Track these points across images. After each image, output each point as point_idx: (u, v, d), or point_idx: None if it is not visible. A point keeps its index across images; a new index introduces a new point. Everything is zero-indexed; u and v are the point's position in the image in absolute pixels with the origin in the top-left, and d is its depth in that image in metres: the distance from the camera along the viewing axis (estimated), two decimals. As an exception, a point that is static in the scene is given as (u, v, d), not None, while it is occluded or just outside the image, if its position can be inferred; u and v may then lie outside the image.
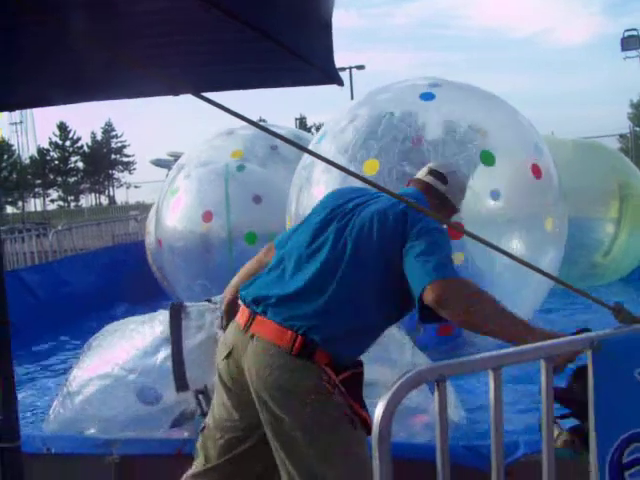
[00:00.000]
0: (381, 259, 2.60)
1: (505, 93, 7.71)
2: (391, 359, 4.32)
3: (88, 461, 3.50)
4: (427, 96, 6.92)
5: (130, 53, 1.91)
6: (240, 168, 9.22)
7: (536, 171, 6.81)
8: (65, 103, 2.71)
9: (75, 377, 4.08)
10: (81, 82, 2.31)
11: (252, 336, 2.57)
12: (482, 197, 6.45)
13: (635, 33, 18.89)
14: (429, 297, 2.39)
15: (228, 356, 2.65)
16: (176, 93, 2.47)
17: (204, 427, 2.81)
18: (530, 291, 6.64)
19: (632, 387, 2.00)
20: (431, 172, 3.10)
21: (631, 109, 42.30)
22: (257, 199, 8.92)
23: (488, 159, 6.54)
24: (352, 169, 5.70)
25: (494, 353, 1.86)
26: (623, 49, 19.18)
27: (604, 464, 1.99)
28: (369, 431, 2.36)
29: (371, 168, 6.46)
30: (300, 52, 2.37)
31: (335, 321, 2.53)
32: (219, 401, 2.75)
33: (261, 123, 12.96)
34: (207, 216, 8.92)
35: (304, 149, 3.90)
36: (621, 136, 31.64)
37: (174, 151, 25.93)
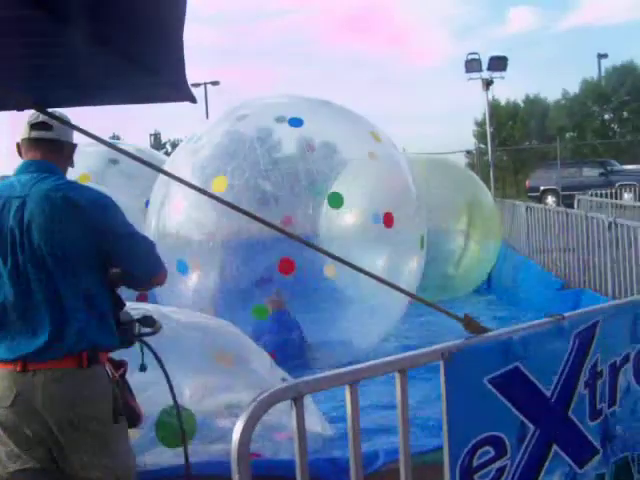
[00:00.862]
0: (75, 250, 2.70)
1: (361, 110, 7.91)
2: (257, 383, 4.33)
3: None
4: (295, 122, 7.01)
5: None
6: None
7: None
8: None
9: None
10: None
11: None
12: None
13: (477, 57, 20.05)
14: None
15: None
16: (20, 108, 2.35)
17: None
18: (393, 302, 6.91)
19: (481, 394, 2.09)
20: (32, 126, 2.85)
21: (476, 126, 44.61)
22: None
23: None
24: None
25: (349, 368, 1.89)
26: (467, 71, 20.28)
27: (455, 468, 2.06)
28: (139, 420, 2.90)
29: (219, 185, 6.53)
30: (150, 68, 2.32)
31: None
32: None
33: (113, 141, 12.62)
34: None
35: (159, 169, 3.84)
36: (468, 152, 33.30)
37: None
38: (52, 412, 2.58)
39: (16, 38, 1.78)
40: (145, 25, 1.98)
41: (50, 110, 2.59)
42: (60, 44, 1.84)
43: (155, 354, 3.15)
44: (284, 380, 4.47)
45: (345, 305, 6.76)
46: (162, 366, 3.19)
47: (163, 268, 2.92)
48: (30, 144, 2.84)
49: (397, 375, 1.95)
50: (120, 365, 2.86)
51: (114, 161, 9.68)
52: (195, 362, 4.20)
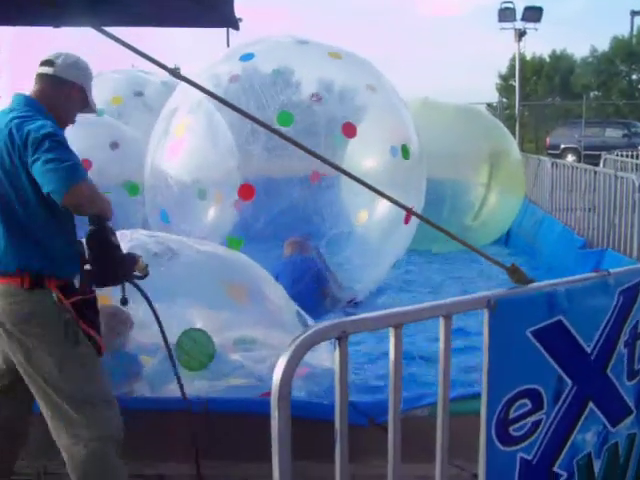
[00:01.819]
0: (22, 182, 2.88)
1: (377, 57, 7.75)
2: (272, 317, 4.29)
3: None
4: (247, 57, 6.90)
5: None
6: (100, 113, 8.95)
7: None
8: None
9: None
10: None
11: None
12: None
13: (511, 5, 19.60)
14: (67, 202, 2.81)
15: None
16: (68, 24, 2.29)
17: None
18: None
19: (524, 346, 2.04)
20: (40, 63, 3.09)
21: (499, 79, 43.89)
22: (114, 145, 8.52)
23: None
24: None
25: (394, 310, 1.84)
26: (500, 20, 19.84)
27: (492, 419, 2.03)
28: (99, 351, 2.99)
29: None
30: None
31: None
32: None
33: (138, 70, 12.43)
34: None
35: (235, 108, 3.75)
36: (489, 105, 32.82)
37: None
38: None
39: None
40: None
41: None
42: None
43: (144, 295, 3.20)
44: (299, 314, 4.43)
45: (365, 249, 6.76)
46: (152, 307, 3.24)
47: (79, 178, 2.84)
48: (35, 79, 3.08)
49: (442, 320, 1.90)
50: (73, 294, 2.95)
51: (139, 93, 9.60)
52: (208, 295, 4.15)
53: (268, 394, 1.67)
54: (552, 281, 2.18)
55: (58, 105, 3.07)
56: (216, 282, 4.21)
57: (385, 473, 1.87)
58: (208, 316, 4.06)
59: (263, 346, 4.05)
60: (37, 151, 2.81)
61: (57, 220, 2.96)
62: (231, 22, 2.50)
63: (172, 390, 3.51)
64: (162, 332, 3.29)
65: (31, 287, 2.90)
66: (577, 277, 2.26)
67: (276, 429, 1.62)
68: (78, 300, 2.95)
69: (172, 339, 3.65)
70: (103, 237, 2.97)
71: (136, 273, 3.14)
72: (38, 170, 2.81)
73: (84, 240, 3.00)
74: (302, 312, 4.50)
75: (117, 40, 2.48)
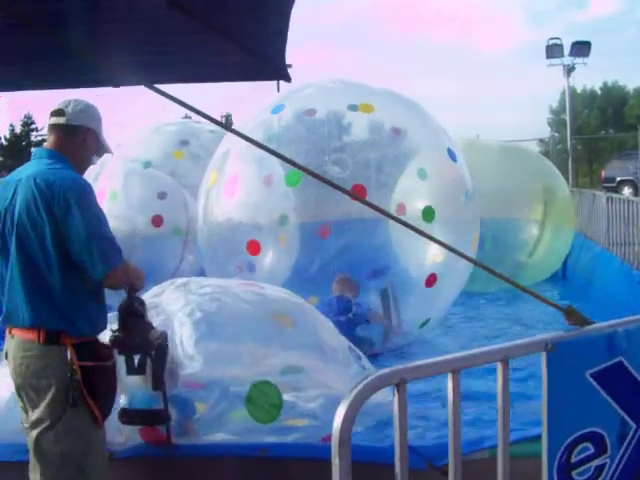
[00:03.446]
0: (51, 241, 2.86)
1: (429, 97, 7.82)
2: (321, 347, 4.22)
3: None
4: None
5: (81, 41, 1.82)
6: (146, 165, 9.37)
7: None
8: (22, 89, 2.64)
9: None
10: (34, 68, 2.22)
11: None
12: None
13: (559, 42, 19.57)
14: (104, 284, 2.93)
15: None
16: (125, 84, 2.39)
17: None
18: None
19: (583, 388, 2.03)
20: (51, 114, 3.10)
21: (550, 114, 43.61)
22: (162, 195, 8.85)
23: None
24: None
25: (452, 356, 1.86)
26: (548, 57, 19.81)
27: (553, 463, 2.01)
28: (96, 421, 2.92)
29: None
30: (252, 47, 2.32)
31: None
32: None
33: (185, 120, 12.78)
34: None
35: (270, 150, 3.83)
36: (541, 141, 32.57)
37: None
38: (13, 373, 2.95)
39: (139, 27, 1.80)
40: (253, 8, 1.98)
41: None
42: (175, 31, 1.86)
43: (156, 369, 3.25)
44: (351, 349, 4.37)
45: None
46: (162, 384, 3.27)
47: (116, 264, 2.92)
48: (48, 131, 3.10)
49: (499, 365, 1.91)
50: (90, 357, 2.92)
51: (185, 142, 9.92)
52: (253, 324, 4.08)
53: (328, 438, 1.69)
54: (610, 322, 2.17)
55: (76, 152, 3.08)
56: (263, 312, 4.19)
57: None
58: (254, 342, 3.99)
59: (310, 378, 3.98)
60: (73, 211, 2.83)
61: (79, 278, 2.93)
62: (283, 74, 2.60)
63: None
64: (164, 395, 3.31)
65: (46, 342, 2.87)
66: (636, 317, 2.24)
67: (337, 476, 1.64)
68: (90, 366, 2.90)
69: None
70: (132, 308, 3.08)
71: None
72: (79, 240, 2.84)
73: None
74: (355, 348, 4.44)
75: (165, 95, 2.58)
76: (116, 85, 2.80)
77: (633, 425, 2.15)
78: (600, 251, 10.32)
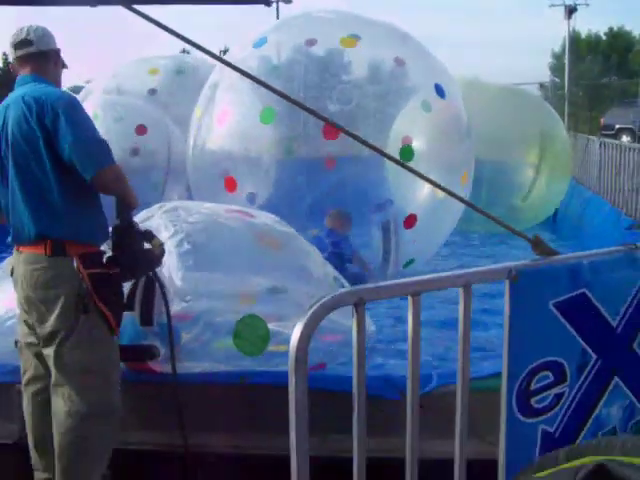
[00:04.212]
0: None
1: (424, 33, 7.67)
2: (307, 272, 4.22)
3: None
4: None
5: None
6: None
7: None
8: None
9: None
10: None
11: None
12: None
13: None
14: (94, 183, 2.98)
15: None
16: (102, 3, 2.33)
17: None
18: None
19: (546, 318, 2.04)
20: (15, 46, 3.19)
21: (552, 59, 42.97)
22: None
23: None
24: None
25: (413, 279, 1.85)
26: (549, -4, 19.44)
27: (512, 391, 2.04)
28: (111, 329, 3.02)
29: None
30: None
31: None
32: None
33: (184, 54, 12.59)
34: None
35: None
36: (541, 85, 32.18)
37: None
38: (20, 287, 3.05)
39: None
40: None
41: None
42: None
43: (160, 284, 3.33)
44: (336, 279, 4.38)
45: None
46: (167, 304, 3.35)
47: (106, 163, 3.01)
48: (20, 62, 3.20)
49: (461, 290, 1.91)
50: (94, 266, 3.01)
51: (180, 71, 9.82)
52: (242, 252, 4.11)
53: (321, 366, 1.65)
54: (576, 253, 2.17)
55: (52, 75, 3.23)
56: (250, 236, 4.19)
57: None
58: (240, 261, 4.02)
59: (295, 303, 3.95)
60: (61, 119, 2.92)
61: (76, 185, 3.02)
62: (263, -1, 2.53)
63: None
64: (168, 316, 3.37)
65: (53, 254, 2.97)
66: (602, 250, 2.24)
67: (293, 394, 1.62)
68: (97, 273, 3.00)
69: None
70: (127, 231, 3.09)
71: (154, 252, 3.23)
72: (67, 142, 2.91)
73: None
74: (341, 278, 4.43)
75: (146, 17, 2.52)
76: (93, 5, 2.73)
77: (593, 356, 2.16)
78: (591, 196, 10.32)
